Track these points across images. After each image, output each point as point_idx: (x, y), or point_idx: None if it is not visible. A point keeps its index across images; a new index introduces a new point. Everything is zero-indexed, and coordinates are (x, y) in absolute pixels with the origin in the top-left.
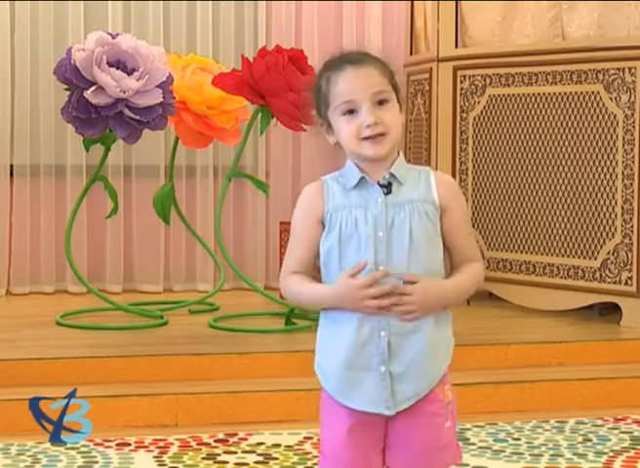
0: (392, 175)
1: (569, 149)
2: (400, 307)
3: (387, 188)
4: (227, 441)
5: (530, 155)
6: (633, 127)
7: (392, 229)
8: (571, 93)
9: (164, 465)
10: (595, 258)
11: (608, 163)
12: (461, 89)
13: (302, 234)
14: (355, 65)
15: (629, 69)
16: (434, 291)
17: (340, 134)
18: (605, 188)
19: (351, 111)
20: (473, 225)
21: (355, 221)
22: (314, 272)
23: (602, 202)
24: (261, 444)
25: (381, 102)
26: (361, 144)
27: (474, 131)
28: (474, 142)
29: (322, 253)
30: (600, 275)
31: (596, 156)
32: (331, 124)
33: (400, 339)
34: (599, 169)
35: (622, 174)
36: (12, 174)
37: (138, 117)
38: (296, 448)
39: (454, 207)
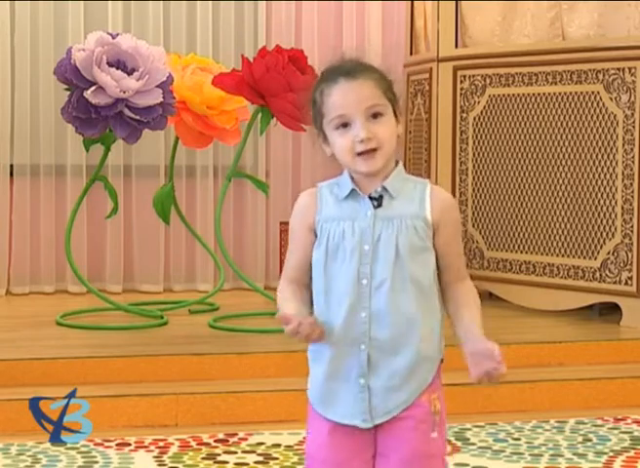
0: (384, 188)
1: (569, 149)
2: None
3: (378, 201)
4: (227, 441)
5: (530, 155)
6: (633, 127)
7: (379, 243)
8: (571, 93)
9: (164, 465)
10: (595, 258)
11: (608, 163)
12: (461, 89)
13: (298, 240)
14: (349, 78)
15: (629, 69)
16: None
17: (334, 146)
18: (605, 188)
19: (345, 125)
20: (473, 225)
21: (342, 234)
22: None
23: (602, 202)
24: (261, 444)
25: (375, 116)
26: (355, 160)
27: (474, 131)
28: (474, 142)
29: (312, 262)
30: (600, 275)
31: (596, 156)
32: (326, 136)
33: (381, 354)
34: (599, 169)
35: (622, 174)
36: (12, 174)
37: (138, 117)
38: (296, 448)
39: (447, 224)
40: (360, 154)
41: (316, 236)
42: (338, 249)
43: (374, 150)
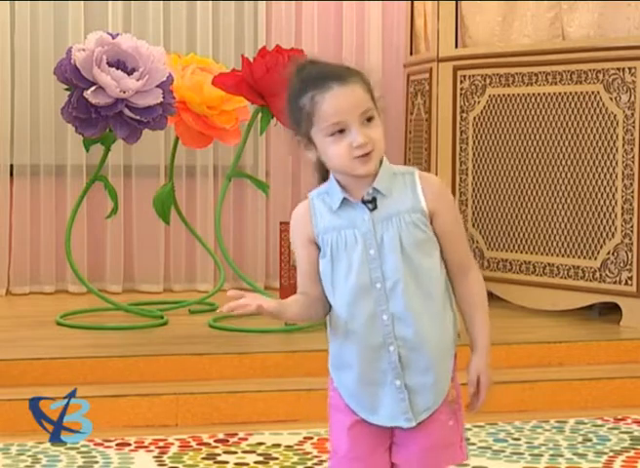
0: (375, 189)
1: (569, 149)
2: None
3: (372, 204)
4: (227, 441)
5: (530, 155)
6: (633, 127)
7: (383, 245)
8: (571, 93)
9: (164, 465)
10: (595, 258)
11: (608, 163)
12: (461, 89)
13: (302, 254)
14: (341, 84)
15: (629, 69)
16: (488, 364)
17: (327, 153)
18: (605, 188)
19: (341, 131)
20: (473, 225)
21: (345, 242)
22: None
23: (602, 202)
24: (261, 444)
25: (369, 120)
26: (353, 163)
27: (474, 131)
28: (474, 142)
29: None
30: (600, 275)
31: (596, 156)
32: (311, 140)
33: (410, 352)
34: (599, 169)
35: (622, 174)
36: (12, 174)
37: (138, 117)
38: (296, 448)
39: (442, 208)
40: (357, 158)
41: (319, 247)
42: (342, 259)
43: (369, 153)
